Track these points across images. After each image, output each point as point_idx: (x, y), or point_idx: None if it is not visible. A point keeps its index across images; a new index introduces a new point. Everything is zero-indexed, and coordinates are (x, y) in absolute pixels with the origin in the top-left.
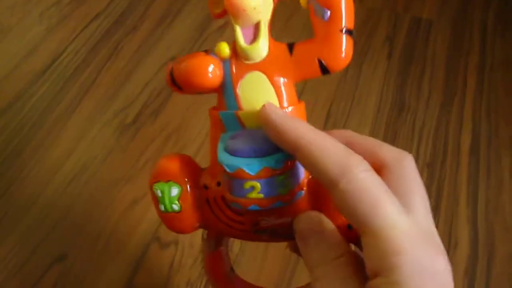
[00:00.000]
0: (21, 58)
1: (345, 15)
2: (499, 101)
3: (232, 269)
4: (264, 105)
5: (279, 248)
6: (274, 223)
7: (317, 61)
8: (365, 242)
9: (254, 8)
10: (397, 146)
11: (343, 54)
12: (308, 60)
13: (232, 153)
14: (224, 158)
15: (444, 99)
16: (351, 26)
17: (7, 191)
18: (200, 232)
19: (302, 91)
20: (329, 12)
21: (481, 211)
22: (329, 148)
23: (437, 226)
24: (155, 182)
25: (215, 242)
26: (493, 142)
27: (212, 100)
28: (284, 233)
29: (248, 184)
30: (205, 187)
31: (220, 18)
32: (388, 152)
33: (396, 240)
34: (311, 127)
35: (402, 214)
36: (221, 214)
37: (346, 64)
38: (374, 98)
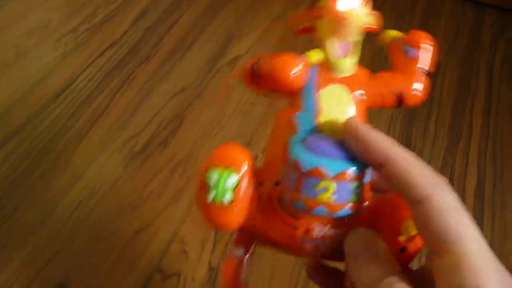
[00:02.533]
0: (35, 82)
1: (430, 57)
2: (504, 146)
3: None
4: (350, 118)
5: (287, 267)
6: (326, 234)
7: (395, 93)
8: (446, 259)
9: (357, 23)
10: None
11: (421, 92)
12: (388, 89)
13: (312, 150)
14: (301, 154)
15: (449, 141)
16: (431, 69)
17: (13, 214)
18: (203, 263)
19: None
20: (415, 51)
21: None
22: (418, 165)
23: None
24: (211, 167)
25: (244, 248)
26: (498, 187)
27: (221, 136)
28: (329, 247)
29: (322, 184)
30: (260, 184)
31: (302, 34)
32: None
33: (481, 262)
34: (397, 143)
35: (482, 238)
36: (272, 215)
37: (421, 101)
38: None
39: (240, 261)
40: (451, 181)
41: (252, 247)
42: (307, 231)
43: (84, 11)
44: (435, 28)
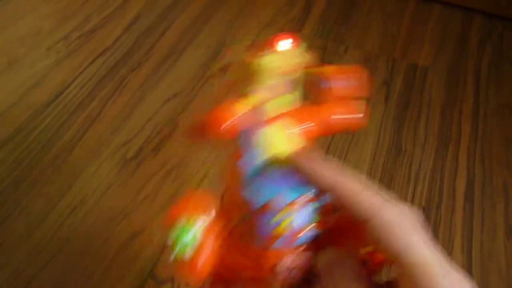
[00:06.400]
0: (26, 89)
1: (362, 85)
2: (492, 147)
3: None
4: (296, 150)
5: None
6: (294, 261)
7: (339, 120)
8: (401, 272)
9: (271, 68)
10: (394, 189)
11: (361, 117)
12: (331, 117)
13: (260, 187)
14: (251, 193)
15: (439, 144)
16: (365, 94)
17: (4, 222)
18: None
19: None
20: (348, 82)
21: (475, 257)
22: (359, 189)
23: None
24: (169, 227)
25: None
26: (487, 188)
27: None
28: (298, 277)
29: (276, 218)
30: (224, 227)
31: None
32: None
33: (431, 269)
34: (342, 169)
35: (431, 246)
36: (240, 255)
37: (363, 125)
38: (371, 141)
39: None
40: (442, 183)
41: None
42: (272, 267)
43: (76, 18)
44: (423, 32)
